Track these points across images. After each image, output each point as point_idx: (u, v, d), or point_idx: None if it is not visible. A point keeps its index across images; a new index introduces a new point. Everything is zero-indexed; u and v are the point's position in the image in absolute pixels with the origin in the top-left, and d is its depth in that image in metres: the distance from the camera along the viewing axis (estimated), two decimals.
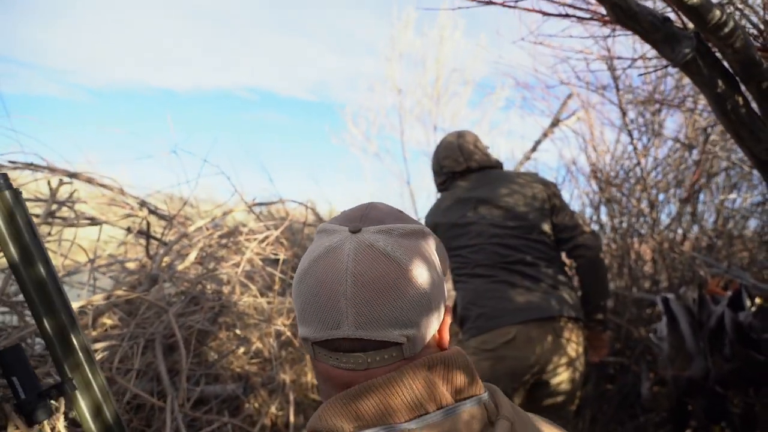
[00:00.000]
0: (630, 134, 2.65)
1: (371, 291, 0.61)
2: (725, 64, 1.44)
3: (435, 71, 6.93)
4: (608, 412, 3.53)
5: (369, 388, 0.61)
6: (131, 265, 2.29)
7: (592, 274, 2.13)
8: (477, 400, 0.65)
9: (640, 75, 2.37)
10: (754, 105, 1.47)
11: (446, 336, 0.69)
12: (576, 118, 3.82)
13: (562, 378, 2.00)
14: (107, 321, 1.56)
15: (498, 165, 2.27)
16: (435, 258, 0.69)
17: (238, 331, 1.89)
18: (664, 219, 3.37)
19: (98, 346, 1.40)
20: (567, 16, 1.60)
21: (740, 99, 1.48)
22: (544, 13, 1.58)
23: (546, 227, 2.10)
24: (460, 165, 2.21)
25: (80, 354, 0.86)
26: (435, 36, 6.85)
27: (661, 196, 3.23)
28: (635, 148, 2.69)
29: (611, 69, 2.42)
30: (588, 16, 1.59)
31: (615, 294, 3.82)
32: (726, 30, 1.32)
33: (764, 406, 2.33)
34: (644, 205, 3.24)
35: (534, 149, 4.01)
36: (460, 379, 0.65)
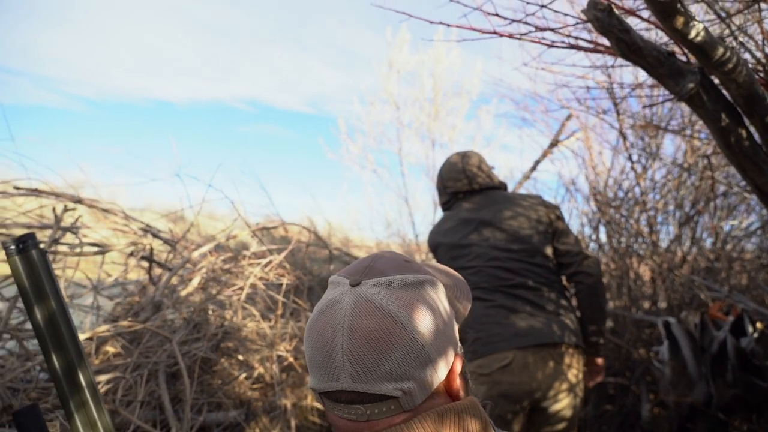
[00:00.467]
0: (630, 157, 2.67)
1: (365, 345, 0.62)
2: (729, 97, 1.46)
3: (432, 88, 6.99)
4: None
5: None
6: (133, 287, 2.28)
7: (593, 300, 2.12)
8: None
9: (646, 107, 2.39)
10: (757, 137, 1.48)
11: (456, 383, 0.68)
12: (575, 138, 3.85)
13: (562, 405, 1.99)
14: (110, 349, 1.54)
15: (502, 186, 2.27)
16: (440, 305, 0.69)
17: (240, 357, 1.87)
18: (663, 239, 3.39)
19: (102, 378, 1.39)
20: (572, 46, 1.62)
21: (744, 132, 1.49)
22: (551, 45, 1.60)
23: (548, 251, 2.09)
24: (463, 186, 2.20)
25: (86, 392, 0.85)
26: (431, 55, 6.91)
27: (659, 218, 3.24)
28: (635, 171, 2.70)
29: (611, 95, 2.45)
30: (592, 47, 1.61)
31: (614, 314, 3.82)
32: (729, 65, 1.34)
33: None
34: (643, 225, 3.26)
35: (533, 169, 4.03)
36: (473, 429, 0.64)
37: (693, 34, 1.28)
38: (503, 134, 7.78)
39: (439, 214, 6.92)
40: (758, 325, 2.38)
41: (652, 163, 2.93)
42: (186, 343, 1.67)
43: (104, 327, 1.40)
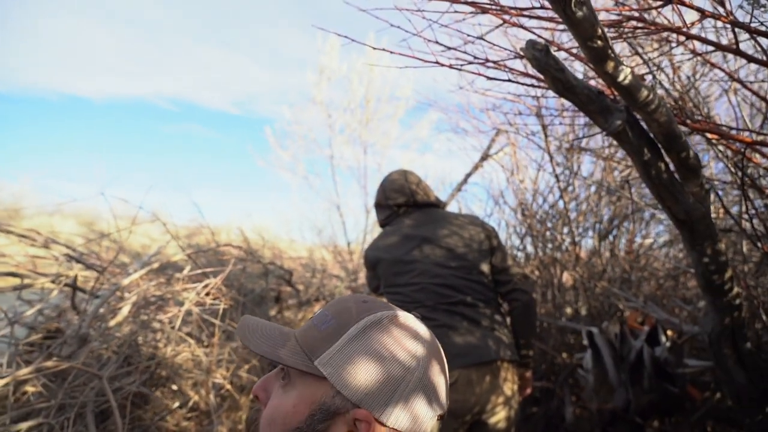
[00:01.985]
0: (556, 176, 2.82)
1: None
2: (650, 134, 1.58)
3: (365, 94, 7.02)
4: None
5: None
6: (49, 311, 2.11)
7: (527, 317, 2.21)
8: None
9: (577, 139, 2.54)
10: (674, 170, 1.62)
11: None
12: (504, 153, 4.01)
13: (499, 417, 2.06)
14: (30, 389, 1.42)
15: (439, 204, 2.33)
16: None
17: (174, 387, 1.79)
18: (584, 251, 3.60)
19: (23, 426, 1.27)
20: (510, 81, 1.68)
21: (663, 165, 1.62)
22: (489, 78, 1.66)
23: (485, 268, 2.16)
24: (405, 199, 2.25)
25: None
26: (363, 61, 6.94)
27: (580, 231, 3.44)
28: (560, 188, 2.86)
29: (540, 118, 2.58)
30: (529, 82, 1.69)
31: (540, 321, 4.01)
32: (652, 106, 1.45)
33: None
34: (566, 237, 3.44)
35: (465, 182, 4.15)
36: None
37: (621, 77, 1.38)
38: (437, 143, 7.94)
39: (372, 219, 6.96)
40: (669, 333, 2.58)
41: (574, 180, 3.11)
42: (116, 378, 1.57)
43: (26, 370, 1.28)
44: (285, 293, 3.52)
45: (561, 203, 3.41)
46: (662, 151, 1.59)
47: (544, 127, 2.71)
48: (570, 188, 3.21)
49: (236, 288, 2.34)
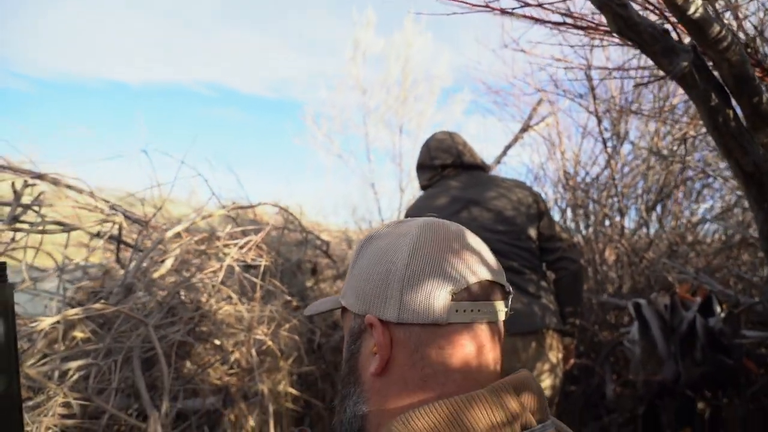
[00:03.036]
0: (604, 142, 2.70)
1: (482, 245, 0.72)
2: (718, 77, 1.47)
3: (401, 72, 6.92)
4: (572, 413, 3.60)
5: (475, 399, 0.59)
6: (96, 271, 2.15)
7: (575, 285, 2.15)
8: (552, 424, 0.63)
9: (637, 85, 2.42)
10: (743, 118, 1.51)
11: None
12: (545, 124, 3.88)
13: (545, 385, 2.01)
14: (79, 334, 1.44)
15: (485, 167, 2.25)
16: None
17: (217, 342, 1.79)
18: (630, 224, 3.47)
19: (73, 365, 1.29)
20: (563, 24, 1.59)
21: (731, 113, 1.51)
22: (540, 21, 1.57)
23: (532, 233, 2.08)
24: (452, 159, 2.16)
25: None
26: (400, 38, 6.83)
27: (627, 202, 3.31)
28: (607, 154, 2.74)
29: (589, 78, 2.46)
30: (584, 24, 1.59)
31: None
32: (724, 44, 1.34)
33: (731, 408, 2.42)
34: (612, 210, 3.32)
35: (504, 154, 4.05)
36: (536, 402, 0.63)
37: (692, 9, 1.28)
38: (473, 124, 7.79)
39: (406, 200, 6.91)
40: (724, 306, 2.46)
41: (621, 148, 2.98)
42: (161, 327, 1.58)
43: (74, 310, 1.30)
44: (321, 265, 3.52)
45: (606, 173, 3.28)
46: (731, 96, 1.49)
47: (593, 88, 2.59)
48: (617, 156, 3.08)
49: (277, 252, 2.33)
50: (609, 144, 2.79)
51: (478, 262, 0.66)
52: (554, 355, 2.02)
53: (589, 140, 3.41)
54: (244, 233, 1.99)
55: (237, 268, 1.86)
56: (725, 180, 2.24)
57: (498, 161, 4.10)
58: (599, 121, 2.60)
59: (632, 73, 2.39)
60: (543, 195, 4.11)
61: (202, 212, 1.83)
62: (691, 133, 2.39)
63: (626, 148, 3.03)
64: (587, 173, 3.59)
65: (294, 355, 2.35)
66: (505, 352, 2.02)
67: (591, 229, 3.66)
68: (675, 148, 2.58)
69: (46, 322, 1.24)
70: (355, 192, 7.70)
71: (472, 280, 0.64)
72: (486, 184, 2.13)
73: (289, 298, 2.15)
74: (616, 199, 3.29)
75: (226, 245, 1.84)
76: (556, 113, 3.66)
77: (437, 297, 0.62)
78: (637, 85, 2.41)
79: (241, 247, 1.85)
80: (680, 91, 2.60)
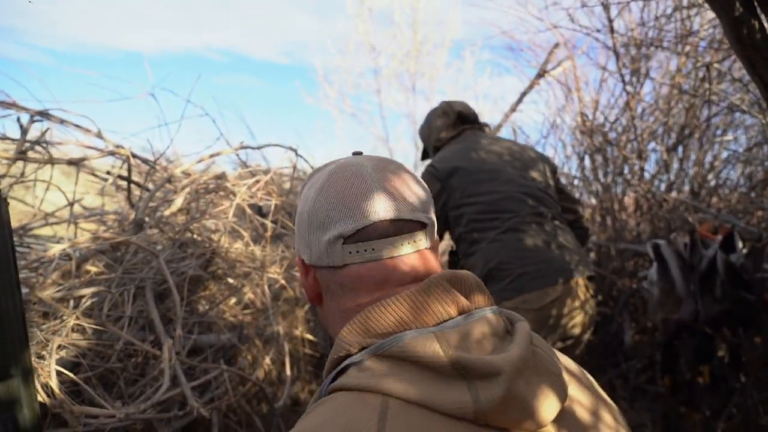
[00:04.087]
0: (622, 78, 2.59)
1: (396, 182, 0.68)
2: None
3: (410, 27, 6.75)
4: (591, 360, 3.60)
5: (399, 299, 0.63)
6: (111, 217, 2.16)
7: (583, 245, 2.21)
8: (494, 309, 0.67)
9: (659, 17, 2.29)
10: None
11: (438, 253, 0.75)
12: (562, 68, 3.76)
13: (574, 322, 2.00)
14: (92, 268, 1.45)
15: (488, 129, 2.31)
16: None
17: (230, 280, 1.80)
18: (650, 168, 3.38)
19: (85, 291, 1.30)
20: None
21: (756, 24, 1.42)
22: None
23: (554, 189, 2.12)
24: (473, 117, 2.20)
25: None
26: None
27: (649, 145, 3.22)
28: (627, 92, 2.63)
29: (606, 7, 2.35)
30: None
31: (598, 246, 3.86)
32: None
33: (751, 345, 2.38)
34: (631, 152, 3.23)
35: (520, 101, 3.94)
36: (477, 292, 0.67)
37: None
38: (485, 81, 7.60)
39: (420, 156, 6.82)
40: (746, 243, 2.40)
41: (641, 89, 2.87)
42: (172, 262, 1.59)
43: (84, 237, 1.30)
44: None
45: (626, 115, 3.17)
46: (756, 5, 1.40)
47: (610, 21, 2.47)
48: (636, 96, 2.97)
49: (286, 196, 2.32)
50: (628, 83, 2.68)
51: (382, 201, 0.66)
52: (590, 305, 2.01)
53: (608, 84, 3.30)
54: (253, 174, 1.98)
55: (247, 209, 1.86)
56: (745, 112, 2.14)
57: (513, 109, 4.00)
58: (617, 57, 2.50)
59: (652, 5, 2.28)
60: (558, 144, 4.03)
61: (209, 150, 1.81)
62: (716, 65, 2.29)
63: (646, 88, 2.91)
64: (606, 118, 3.49)
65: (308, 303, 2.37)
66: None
67: (610, 176, 3.58)
68: (697, 84, 2.47)
69: (56, 249, 1.25)
70: (368, 151, 7.65)
71: (371, 220, 0.65)
72: (507, 141, 2.16)
73: None
74: (635, 142, 3.20)
75: (234, 185, 1.83)
76: (573, 57, 3.53)
77: (332, 242, 0.66)
78: (658, 18, 2.28)
79: (250, 187, 1.83)
80: (703, 22, 2.48)
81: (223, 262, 1.75)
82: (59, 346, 1.13)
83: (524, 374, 0.58)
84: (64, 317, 1.17)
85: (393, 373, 0.57)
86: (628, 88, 2.64)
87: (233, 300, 1.87)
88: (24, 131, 1.45)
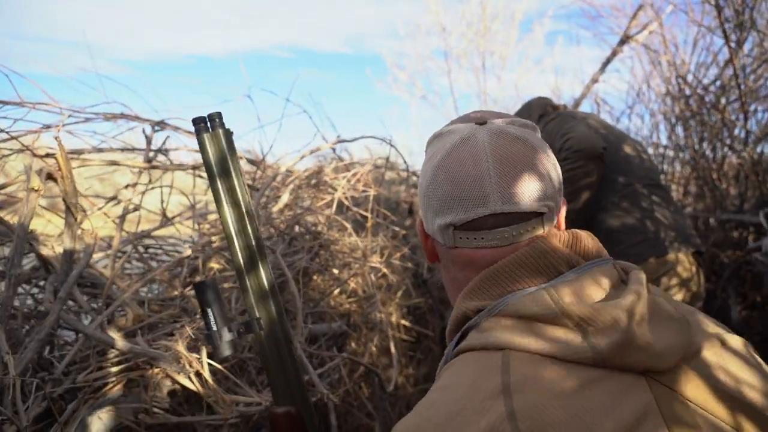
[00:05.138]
0: (725, 33, 2.40)
1: (513, 168, 0.65)
2: None
3: (479, 4, 6.59)
4: None
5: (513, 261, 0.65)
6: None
7: None
8: (608, 261, 0.67)
9: None
10: None
11: (563, 220, 0.74)
12: (648, 32, 3.56)
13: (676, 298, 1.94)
14: (215, 265, 1.56)
15: None
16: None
17: (336, 271, 1.87)
18: (755, 130, 3.13)
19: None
20: None
21: None
22: None
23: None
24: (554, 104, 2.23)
25: (269, 293, 0.84)
26: None
27: (751, 106, 2.98)
28: (729, 47, 2.44)
29: None
30: None
31: (694, 217, 3.64)
32: None
33: None
34: (734, 115, 3.01)
35: (602, 70, 3.77)
36: (590, 246, 0.67)
37: None
38: (558, 52, 7.32)
39: None
40: None
41: (744, 41, 2.65)
42: (286, 256, 1.67)
43: (208, 239, 1.39)
44: (417, 205, 3.53)
45: (725, 75, 2.95)
46: None
47: None
48: (740, 52, 2.74)
49: (383, 187, 2.36)
50: (731, 39, 2.48)
51: (494, 192, 0.65)
52: (684, 270, 1.93)
53: (702, 43, 3.08)
54: (348, 168, 2.03)
55: (347, 202, 1.91)
56: None
57: (595, 80, 3.84)
58: (719, 11, 2.31)
59: None
60: (646, 111, 3.84)
61: (309, 146, 1.88)
62: None
63: (750, 43, 2.70)
64: (699, 81, 3.27)
65: (402, 289, 2.41)
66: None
67: (706, 143, 3.35)
68: None
69: (188, 251, 1.35)
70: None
71: (482, 213, 0.65)
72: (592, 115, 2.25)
73: (396, 228, 2.19)
74: (737, 104, 2.97)
75: (334, 178, 1.89)
76: (660, 18, 3.33)
77: (444, 227, 0.68)
78: None
79: (349, 180, 1.89)
80: None
81: (327, 254, 1.82)
82: None
83: (639, 318, 0.58)
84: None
85: (509, 329, 0.60)
86: (731, 43, 2.45)
87: (338, 290, 1.94)
88: (149, 141, 1.57)
